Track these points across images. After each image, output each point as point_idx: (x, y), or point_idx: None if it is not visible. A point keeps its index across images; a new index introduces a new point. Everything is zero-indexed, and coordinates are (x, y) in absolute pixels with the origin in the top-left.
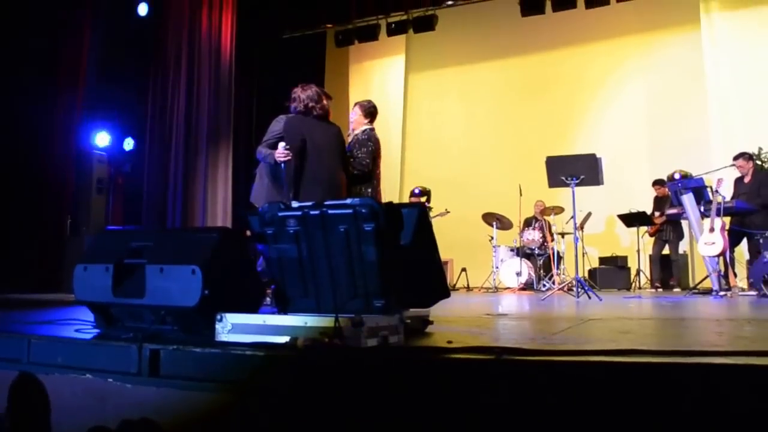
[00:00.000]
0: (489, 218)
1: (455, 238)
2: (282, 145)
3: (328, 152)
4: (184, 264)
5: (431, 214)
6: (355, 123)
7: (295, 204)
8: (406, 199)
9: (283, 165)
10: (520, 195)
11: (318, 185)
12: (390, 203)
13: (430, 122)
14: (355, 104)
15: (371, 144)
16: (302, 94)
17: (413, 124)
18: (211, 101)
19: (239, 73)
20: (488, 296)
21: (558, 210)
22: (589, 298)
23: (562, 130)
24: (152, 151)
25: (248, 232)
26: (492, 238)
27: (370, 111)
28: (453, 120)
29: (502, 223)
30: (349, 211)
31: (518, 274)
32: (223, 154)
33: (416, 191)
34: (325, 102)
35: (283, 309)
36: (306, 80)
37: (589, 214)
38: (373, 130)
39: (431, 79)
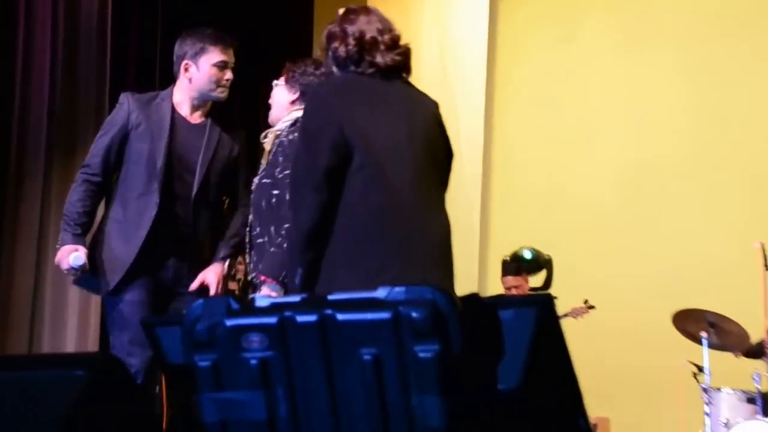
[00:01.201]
0: (690, 322)
1: (612, 368)
2: (78, 263)
3: (415, 160)
4: None
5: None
6: (278, 105)
7: (262, 300)
8: (492, 267)
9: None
10: (766, 266)
11: (391, 246)
12: (473, 297)
13: (546, 95)
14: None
15: None
16: (349, 26)
17: (509, 100)
18: (61, 47)
19: None
20: None
21: None
22: None
23: None
24: None
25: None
26: (700, 369)
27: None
28: (596, 87)
29: (723, 333)
30: (385, 314)
31: None
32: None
33: (529, 258)
34: (400, 40)
35: None
36: (267, 12)
37: None
38: None
39: (549, 4)
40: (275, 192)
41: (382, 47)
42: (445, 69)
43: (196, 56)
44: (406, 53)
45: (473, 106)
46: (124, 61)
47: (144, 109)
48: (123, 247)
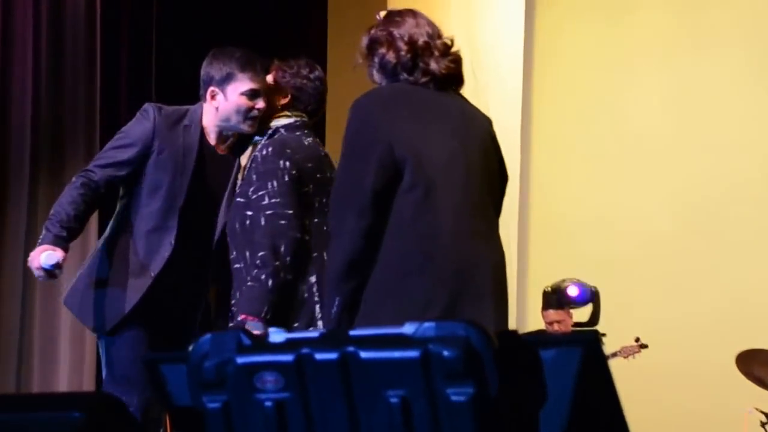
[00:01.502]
0: (757, 365)
1: (668, 415)
2: (52, 260)
3: (470, 182)
4: None
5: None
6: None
7: (276, 335)
8: (532, 299)
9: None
10: None
11: (441, 278)
12: (512, 334)
13: (592, 106)
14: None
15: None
16: (396, 30)
17: (549, 112)
18: (44, 47)
19: None
20: None
21: None
22: None
23: None
24: None
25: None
26: None
27: (313, 86)
28: (649, 95)
29: None
30: (414, 353)
31: None
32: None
33: (575, 295)
34: (452, 45)
35: None
36: (274, 12)
37: None
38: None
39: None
40: (249, 213)
41: (435, 53)
42: (477, 77)
43: (223, 83)
44: (459, 60)
45: (508, 119)
46: (116, 61)
47: (170, 131)
48: (129, 283)
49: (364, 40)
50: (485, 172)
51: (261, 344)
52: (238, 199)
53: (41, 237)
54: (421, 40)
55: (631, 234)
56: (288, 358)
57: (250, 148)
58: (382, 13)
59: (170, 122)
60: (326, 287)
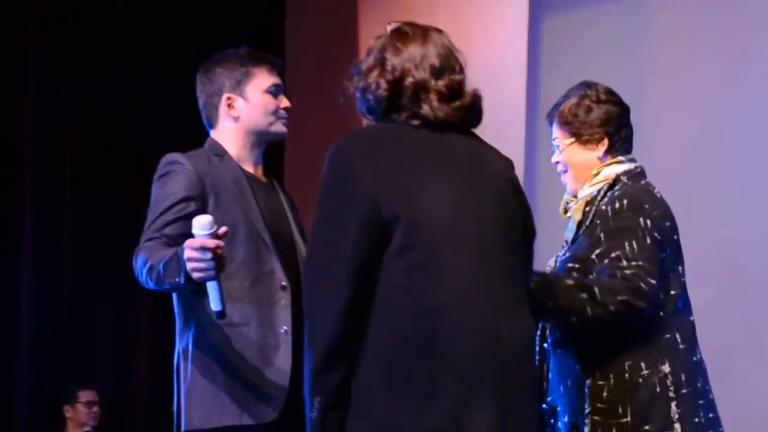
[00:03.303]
0: None
1: None
2: (205, 221)
3: (483, 242)
4: None
5: None
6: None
7: None
8: None
9: (215, 289)
10: None
11: (449, 361)
12: None
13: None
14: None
15: None
16: (392, 57)
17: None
18: None
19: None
20: None
21: None
22: None
23: None
24: None
25: None
26: None
27: (620, 111)
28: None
29: None
30: None
31: None
32: None
33: None
34: (462, 77)
35: None
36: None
37: None
38: (647, 183)
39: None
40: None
41: (432, 95)
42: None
43: (239, 85)
44: (470, 107)
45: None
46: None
47: (210, 169)
48: (262, 359)
49: (361, 59)
50: (505, 230)
51: None
52: (571, 264)
53: (165, 261)
54: (416, 77)
55: None
56: None
57: (580, 202)
58: (390, 26)
59: (203, 160)
60: (306, 384)
